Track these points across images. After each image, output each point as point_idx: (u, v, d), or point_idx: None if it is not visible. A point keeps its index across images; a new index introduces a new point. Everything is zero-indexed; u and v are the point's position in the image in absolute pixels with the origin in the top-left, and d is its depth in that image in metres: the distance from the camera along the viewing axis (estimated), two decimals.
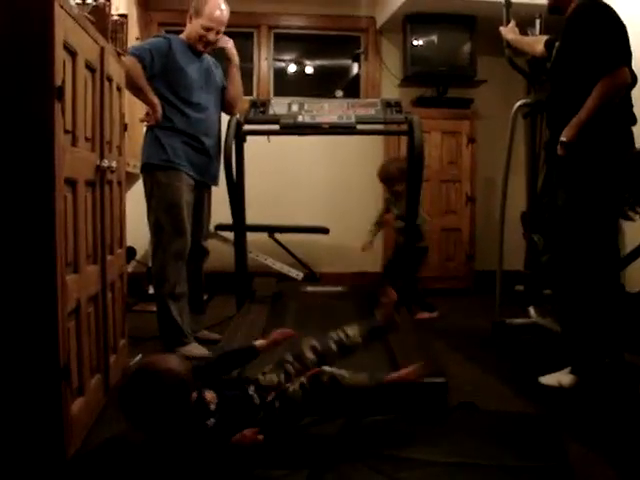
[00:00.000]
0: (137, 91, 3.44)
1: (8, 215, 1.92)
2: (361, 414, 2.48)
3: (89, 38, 2.36)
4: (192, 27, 3.59)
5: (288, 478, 2.02)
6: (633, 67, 2.89)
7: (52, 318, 1.96)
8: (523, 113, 4.07)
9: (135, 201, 3.53)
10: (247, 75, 6.02)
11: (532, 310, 4.10)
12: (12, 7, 1.88)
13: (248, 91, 5.89)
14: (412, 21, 5.66)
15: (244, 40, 5.95)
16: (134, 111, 4.33)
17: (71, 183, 2.16)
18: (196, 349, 3.52)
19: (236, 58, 3.80)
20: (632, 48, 2.87)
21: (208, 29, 3.58)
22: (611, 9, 2.87)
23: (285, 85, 6.27)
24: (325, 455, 2.15)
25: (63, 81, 2.00)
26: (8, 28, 1.88)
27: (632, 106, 2.97)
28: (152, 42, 3.55)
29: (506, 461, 2.14)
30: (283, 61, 6.34)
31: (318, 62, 6.45)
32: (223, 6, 3.61)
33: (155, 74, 3.46)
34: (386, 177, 4.72)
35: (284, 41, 6.28)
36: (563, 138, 2.89)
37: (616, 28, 2.85)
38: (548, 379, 3.06)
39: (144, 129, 3.65)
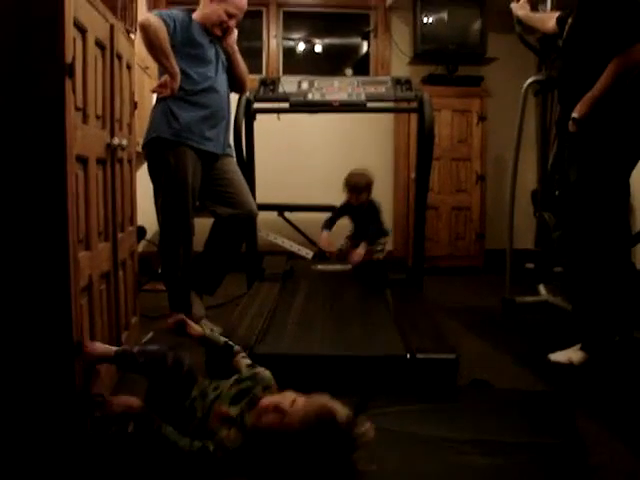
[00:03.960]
0: (161, 55, 3.24)
1: (21, 192, 1.93)
2: (373, 391, 2.49)
3: (99, 15, 2.36)
4: (213, 10, 3.49)
5: None
6: None
7: (65, 294, 1.96)
8: (534, 90, 4.07)
9: (145, 180, 3.52)
10: (256, 53, 6.01)
11: (542, 288, 4.12)
12: None
13: (257, 69, 5.89)
14: None
15: (253, 18, 5.93)
16: (143, 90, 4.33)
17: (82, 161, 2.16)
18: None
19: (236, 47, 3.70)
20: None
21: (231, 15, 3.52)
22: None
23: (294, 63, 6.25)
24: None
25: (73, 58, 1.99)
26: (19, 5, 1.88)
27: None
28: (175, 13, 3.40)
29: (519, 438, 2.15)
30: (292, 39, 6.32)
31: (327, 40, 6.42)
32: None
33: (175, 45, 3.30)
34: (354, 187, 4.35)
35: (293, 19, 6.25)
36: (575, 114, 2.88)
37: (631, 5, 2.81)
38: (558, 356, 3.07)
39: (153, 102, 3.58)
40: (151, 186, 3.52)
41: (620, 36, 2.76)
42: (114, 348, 2.18)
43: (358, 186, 4.31)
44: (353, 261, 4.30)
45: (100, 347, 2.16)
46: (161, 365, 2.03)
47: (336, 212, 4.56)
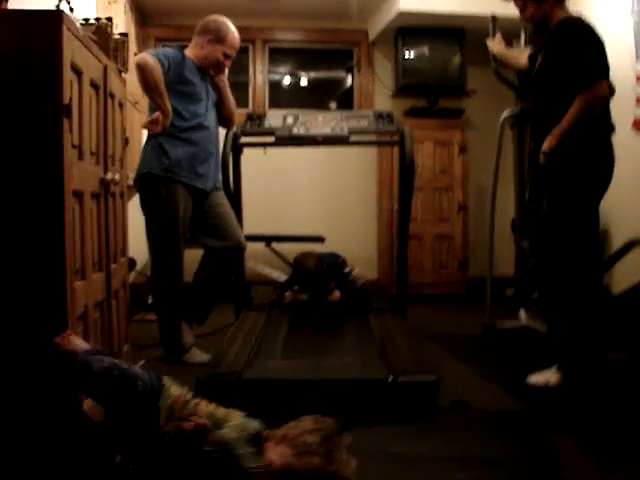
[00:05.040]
0: (155, 94, 3.32)
1: (22, 226, 2.04)
2: (358, 413, 2.59)
3: (93, 57, 2.49)
4: (210, 51, 3.62)
5: None
6: (611, 79, 3.03)
7: (62, 322, 2.07)
8: (510, 123, 4.20)
9: (134, 212, 3.62)
10: (243, 88, 6.15)
11: (522, 313, 4.22)
12: (24, 31, 2.01)
13: (244, 103, 6.02)
14: (403, 34, 5.80)
15: (240, 54, 6.06)
16: (133, 125, 4.45)
17: (78, 195, 2.28)
18: (197, 356, 3.62)
19: (227, 82, 3.84)
20: (610, 61, 3.00)
21: (228, 56, 3.67)
22: (591, 26, 3.02)
23: (280, 97, 6.41)
24: None
25: (70, 99, 2.12)
26: (21, 51, 2.01)
27: (610, 116, 3.11)
28: (168, 51, 3.51)
29: (493, 454, 2.27)
30: (278, 74, 6.48)
31: (312, 74, 6.59)
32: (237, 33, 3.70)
33: (167, 82, 3.38)
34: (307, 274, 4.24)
35: (279, 54, 6.41)
36: (544, 147, 3.03)
37: (595, 44, 2.99)
38: (536, 378, 3.17)
39: (144, 138, 3.68)
40: (140, 218, 3.61)
41: (585, 73, 2.93)
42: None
43: (311, 272, 4.19)
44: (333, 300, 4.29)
45: (76, 341, 2.01)
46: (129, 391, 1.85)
47: (285, 285, 4.53)
